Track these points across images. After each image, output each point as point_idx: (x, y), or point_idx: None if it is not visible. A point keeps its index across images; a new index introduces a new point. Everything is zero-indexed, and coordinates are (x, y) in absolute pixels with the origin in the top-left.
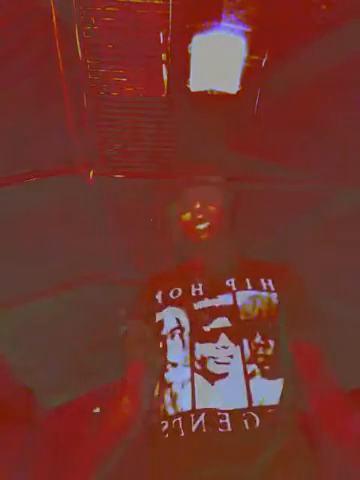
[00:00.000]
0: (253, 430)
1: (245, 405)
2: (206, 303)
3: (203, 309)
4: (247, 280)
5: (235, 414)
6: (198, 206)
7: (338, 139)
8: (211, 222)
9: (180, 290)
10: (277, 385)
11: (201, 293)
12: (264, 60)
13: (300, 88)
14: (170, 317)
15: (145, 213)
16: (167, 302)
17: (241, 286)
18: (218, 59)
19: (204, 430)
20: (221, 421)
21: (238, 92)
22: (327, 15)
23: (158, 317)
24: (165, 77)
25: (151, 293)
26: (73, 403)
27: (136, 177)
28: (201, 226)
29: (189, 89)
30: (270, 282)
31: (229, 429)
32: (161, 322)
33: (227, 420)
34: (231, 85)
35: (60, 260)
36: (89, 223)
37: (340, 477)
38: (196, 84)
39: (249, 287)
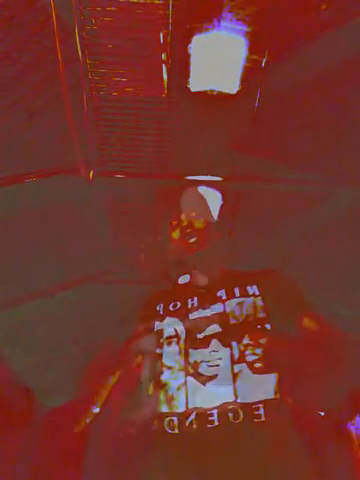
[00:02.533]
0: (238, 424)
1: (231, 400)
2: (200, 313)
3: (197, 319)
4: (236, 289)
5: (221, 409)
6: (185, 222)
7: (338, 139)
8: (199, 236)
9: (179, 303)
10: (266, 382)
11: (196, 305)
12: (264, 60)
13: (300, 88)
14: (168, 327)
15: (145, 213)
16: (167, 313)
17: (230, 295)
18: (218, 59)
19: (194, 426)
20: (210, 418)
21: (238, 92)
22: (327, 15)
23: (158, 326)
24: (165, 77)
25: (154, 304)
26: (73, 403)
27: (136, 177)
28: (191, 240)
29: (189, 89)
30: (255, 287)
31: (216, 424)
32: (160, 331)
33: (215, 417)
34: (231, 85)
35: (60, 260)
36: (89, 223)
37: (332, 470)
38: (196, 84)
39: (237, 295)
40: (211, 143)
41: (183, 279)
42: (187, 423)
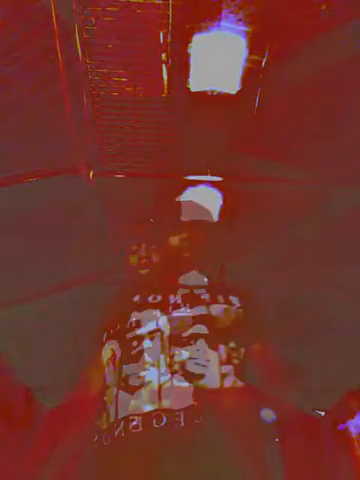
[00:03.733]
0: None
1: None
2: (184, 312)
3: (182, 317)
4: (219, 296)
5: (187, 410)
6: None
7: (338, 139)
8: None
9: (159, 297)
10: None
11: (179, 302)
12: (264, 60)
13: (300, 88)
14: (149, 319)
15: (145, 213)
16: (145, 305)
17: (214, 300)
18: (218, 59)
19: (182, 424)
20: (176, 419)
21: (238, 92)
22: (327, 15)
23: (133, 316)
24: (165, 77)
25: (129, 296)
26: (73, 403)
27: (136, 177)
28: (142, 271)
29: (189, 89)
30: (236, 299)
31: (182, 424)
32: (138, 322)
33: (181, 418)
34: (231, 85)
35: (60, 260)
36: (89, 223)
37: (331, 470)
38: (196, 84)
39: (221, 301)
40: (211, 143)
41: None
42: (181, 420)
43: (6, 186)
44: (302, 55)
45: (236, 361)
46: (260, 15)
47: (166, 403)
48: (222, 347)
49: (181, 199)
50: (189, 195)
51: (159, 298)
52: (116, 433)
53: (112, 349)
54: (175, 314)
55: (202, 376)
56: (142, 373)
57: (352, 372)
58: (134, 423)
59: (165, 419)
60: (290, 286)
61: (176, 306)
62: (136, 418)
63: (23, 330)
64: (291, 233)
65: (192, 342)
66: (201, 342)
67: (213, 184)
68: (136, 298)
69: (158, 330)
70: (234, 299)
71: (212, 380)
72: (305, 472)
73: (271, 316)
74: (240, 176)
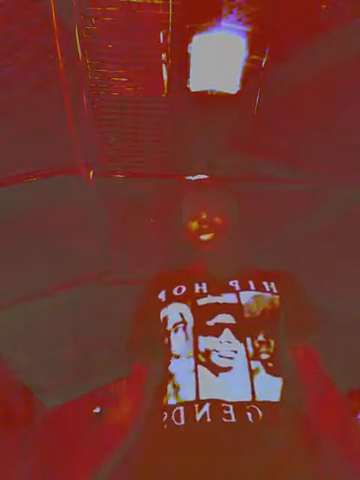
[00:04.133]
0: (256, 424)
1: (249, 398)
2: (210, 300)
3: (207, 305)
4: (250, 282)
5: (239, 406)
6: (204, 217)
7: (338, 139)
8: (215, 234)
9: (184, 287)
10: (279, 383)
11: (205, 291)
12: (264, 60)
13: (300, 88)
14: (174, 312)
15: (145, 213)
16: (171, 299)
17: (244, 287)
18: (218, 59)
19: (209, 420)
20: (225, 412)
21: (238, 92)
22: (327, 15)
23: (162, 314)
24: (165, 77)
25: (155, 292)
26: (73, 403)
27: (136, 177)
28: (205, 237)
29: (189, 89)
30: (273, 285)
31: (233, 420)
32: (165, 318)
33: (231, 411)
34: (231, 85)
35: (60, 260)
36: (89, 223)
37: (338, 476)
38: (196, 84)
39: (252, 288)
40: (211, 143)
41: (190, 264)
42: (199, 414)
43: (6, 186)
44: (302, 55)
45: (266, 355)
46: (260, 15)
47: (260, 395)
48: (250, 339)
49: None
50: (198, 203)
51: (184, 289)
52: (198, 417)
53: (181, 314)
54: (200, 303)
55: (229, 368)
56: (224, 352)
57: (352, 372)
58: (228, 411)
59: (261, 413)
60: None
61: (201, 295)
62: (229, 407)
63: (23, 330)
64: (291, 233)
65: (217, 332)
66: (227, 332)
67: (213, 184)
68: (161, 295)
69: (182, 321)
70: (268, 285)
71: (240, 374)
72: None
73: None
74: (240, 176)
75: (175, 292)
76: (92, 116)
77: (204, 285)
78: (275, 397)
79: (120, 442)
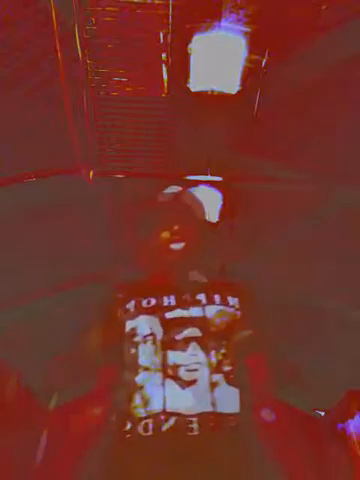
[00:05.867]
0: (217, 434)
1: (210, 410)
2: (178, 313)
3: (175, 319)
4: (216, 296)
5: (201, 418)
6: (177, 227)
7: (338, 139)
8: (186, 241)
9: (153, 300)
10: (237, 393)
11: (173, 304)
12: (264, 60)
13: (300, 88)
14: (143, 325)
15: (145, 213)
16: (140, 310)
17: (210, 301)
18: (218, 59)
19: (174, 432)
20: (190, 425)
21: (238, 92)
22: (327, 15)
23: (129, 325)
24: (165, 77)
25: (123, 302)
26: (73, 403)
27: (136, 177)
28: (175, 246)
29: (189, 89)
30: (236, 300)
31: (196, 433)
32: (133, 329)
33: (195, 424)
34: (231, 85)
35: (60, 260)
36: (89, 223)
37: (331, 470)
38: (196, 84)
39: (217, 302)
40: (211, 143)
41: (160, 275)
42: (165, 427)
43: (6, 186)
44: (302, 55)
45: (228, 367)
46: (260, 15)
47: (220, 406)
48: (213, 352)
49: (179, 198)
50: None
51: (153, 302)
52: (164, 428)
53: (150, 327)
54: (168, 316)
55: (194, 381)
56: (190, 366)
57: (352, 372)
58: (191, 425)
59: (221, 424)
60: (289, 286)
61: (170, 308)
62: (194, 419)
63: (23, 330)
64: (290, 233)
65: (185, 346)
66: (194, 345)
67: (213, 184)
68: (130, 305)
69: (151, 334)
70: (232, 300)
71: (202, 386)
72: (305, 472)
73: (270, 317)
74: (240, 176)
75: (144, 304)
76: (92, 116)
77: (172, 298)
78: (234, 408)
79: (91, 446)
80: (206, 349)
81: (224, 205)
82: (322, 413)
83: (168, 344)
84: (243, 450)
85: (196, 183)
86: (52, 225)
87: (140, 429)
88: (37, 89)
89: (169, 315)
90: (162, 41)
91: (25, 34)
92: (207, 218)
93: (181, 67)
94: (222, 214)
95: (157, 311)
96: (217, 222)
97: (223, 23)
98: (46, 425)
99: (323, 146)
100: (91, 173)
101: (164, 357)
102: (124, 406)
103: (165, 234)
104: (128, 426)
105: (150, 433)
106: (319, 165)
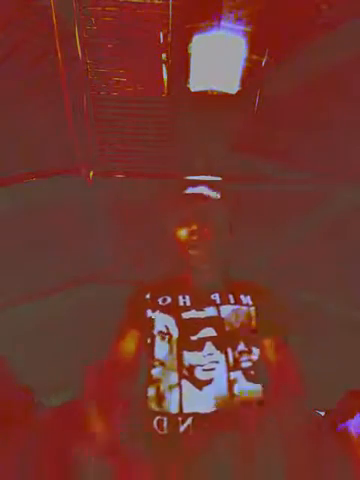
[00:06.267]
0: (234, 431)
1: (227, 408)
2: (193, 314)
3: (191, 319)
4: (230, 296)
5: (218, 416)
6: (195, 227)
7: (338, 139)
8: (203, 246)
9: (169, 298)
10: (259, 389)
11: (188, 304)
12: (264, 60)
13: (300, 88)
14: (159, 320)
15: (145, 213)
16: (156, 306)
17: (225, 301)
18: (218, 59)
19: (191, 432)
20: (205, 424)
21: (238, 92)
22: (327, 15)
23: (149, 313)
24: (165, 77)
25: (142, 295)
26: (73, 403)
27: (136, 177)
28: (193, 251)
29: (189, 89)
30: (248, 298)
31: (211, 431)
32: (152, 320)
33: (210, 423)
34: (231, 85)
35: (60, 260)
36: (89, 223)
37: (331, 470)
38: (196, 84)
39: (231, 302)
40: (211, 143)
41: (174, 274)
42: (183, 427)
43: (6, 186)
44: (302, 55)
45: (248, 364)
46: (260, 15)
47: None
48: (230, 350)
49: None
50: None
51: (169, 300)
52: (182, 428)
53: (166, 326)
54: (184, 317)
55: (210, 381)
56: (207, 366)
57: (352, 372)
58: (207, 424)
59: (239, 421)
60: (289, 286)
61: (185, 309)
62: (210, 418)
63: (23, 330)
64: (290, 233)
65: (201, 346)
66: (209, 346)
67: (213, 184)
68: (148, 296)
69: (167, 333)
70: (245, 298)
71: (220, 385)
72: (305, 472)
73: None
74: (240, 176)
75: (160, 302)
76: (92, 116)
77: (188, 298)
78: (254, 405)
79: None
80: (222, 348)
81: (224, 205)
82: (322, 413)
83: (184, 345)
84: (260, 449)
85: (196, 183)
86: (52, 225)
87: (155, 425)
88: (37, 89)
89: (185, 316)
90: (162, 41)
91: (25, 34)
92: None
93: (181, 67)
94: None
95: (173, 310)
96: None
97: (223, 23)
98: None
99: (323, 146)
100: (91, 173)
101: (179, 358)
102: (139, 399)
103: (182, 233)
104: (143, 421)
105: (165, 432)
106: (319, 165)
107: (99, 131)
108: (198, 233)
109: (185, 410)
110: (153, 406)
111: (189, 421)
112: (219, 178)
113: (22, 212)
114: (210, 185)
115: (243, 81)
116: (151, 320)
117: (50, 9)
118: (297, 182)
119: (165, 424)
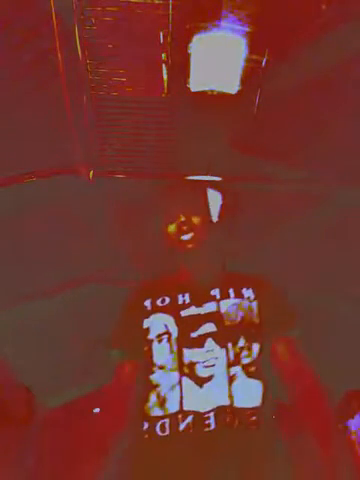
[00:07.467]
0: (234, 429)
1: (227, 404)
2: (193, 311)
3: (190, 316)
4: (230, 290)
5: (218, 413)
6: (183, 218)
7: (338, 139)
8: (195, 233)
9: (167, 298)
10: (260, 386)
11: (188, 301)
12: (264, 60)
13: (300, 88)
14: (157, 323)
15: (145, 213)
16: (155, 309)
17: (224, 295)
18: (218, 59)
19: (191, 430)
20: (206, 422)
21: (238, 92)
22: (327, 15)
23: (145, 324)
24: (165, 77)
25: (140, 300)
26: (73, 403)
27: (136, 177)
28: (185, 237)
29: (189, 89)
30: (250, 292)
31: (212, 428)
32: (148, 329)
33: (211, 420)
34: (231, 85)
35: (60, 260)
36: (89, 223)
37: (316, 474)
38: (196, 84)
39: (232, 296)
40: (211, 143)
41: (172, 273)
42: (183, 426)
43: (6, 186)
44: (302, 55)
45: (248, 360)
46: (260, 15)
47: (238, 400)
48: (231, 345)
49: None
50: (174, 206)
51: (167, 300)
52: (181, 427)
53: (165, 325)
54: (183, 314)
55: (211, 377)
56: (207, 362)
57: (352, 372)
58: (208, 421)
59: (237, 420)
60: (288, 286)
61: (185, 306)
62: (210, 415)
63: (23, 330)
64: (290, 233)
65: (201, 343)
66: (210, 342)
67: (213, 184)
68: (147, 303)
69: (166, 333)
70: (247, 292)
71: (219, 381)
72: (306, 472)
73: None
74: (240, 176)
75: (158, 303)
76: (92, 116)
77: (187, 296)
78: (254, 402)
79: (112, 446)
80: (223, 343)
81: (224, 205)
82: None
83: (184, 342)
84: (261, 445)
85: (196, 183)
86: (52, 225)
87: (157, 429)
88: (37, 89)
89: (184, 313)
90: (162, 41)
91: (25, 34)
92: (210, 210)
93: (181, 67)
94: (222, 214)
95: (172, 309)
96: (216, 222)
97: (223, 23)
98: (50, 424)
99: (323, 146)
100: (91, 173)
101: (180, 355)
102: (140, 406)
103: (172, 228)
104: (145, 426)
105: (167, 433)
106: (319, 165)
107: (99, 131)
108: (195, 229)
109: (185, 408)
110: (156, 411)
111: (189, 419)
112: (219, 178)
113: (22, 212)
114: (210, 185)
115: (243, 81)
116: (147, 329)
117: (50, 9)
118: (297, 182)
119: (167, 426)
